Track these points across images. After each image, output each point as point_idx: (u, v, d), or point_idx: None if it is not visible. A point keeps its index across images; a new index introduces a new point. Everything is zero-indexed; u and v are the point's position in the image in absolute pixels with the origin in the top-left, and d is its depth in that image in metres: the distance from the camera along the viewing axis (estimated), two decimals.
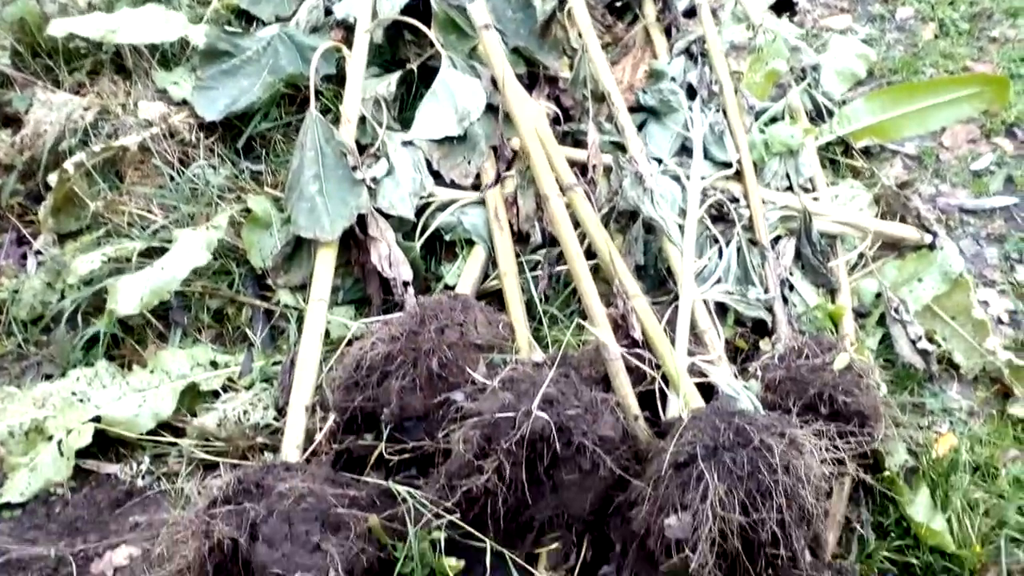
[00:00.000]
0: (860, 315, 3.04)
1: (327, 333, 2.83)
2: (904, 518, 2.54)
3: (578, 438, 2.18)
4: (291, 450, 2.47)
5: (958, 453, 2.63)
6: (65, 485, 2.72)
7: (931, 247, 3.14)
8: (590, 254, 2.78)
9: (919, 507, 2.51)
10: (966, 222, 3.50)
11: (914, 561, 2.49)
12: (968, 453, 2.66)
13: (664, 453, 2.14)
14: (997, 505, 2.55)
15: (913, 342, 2.83)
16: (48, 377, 2.97)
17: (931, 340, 2.92)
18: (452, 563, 2.30)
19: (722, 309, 2.82)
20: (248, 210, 3.18)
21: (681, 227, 2.87)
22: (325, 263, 2.86)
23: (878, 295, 3.06)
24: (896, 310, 2.91)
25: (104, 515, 2.67)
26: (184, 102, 3.55)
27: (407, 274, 2.87)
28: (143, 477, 2.73)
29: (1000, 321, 3.12)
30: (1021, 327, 3.13)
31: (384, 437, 2.46)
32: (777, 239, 3.06)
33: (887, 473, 2.55)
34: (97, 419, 2.75)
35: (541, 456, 2.19)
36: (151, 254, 3.11)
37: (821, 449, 2.12)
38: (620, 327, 2.57)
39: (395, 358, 2.45)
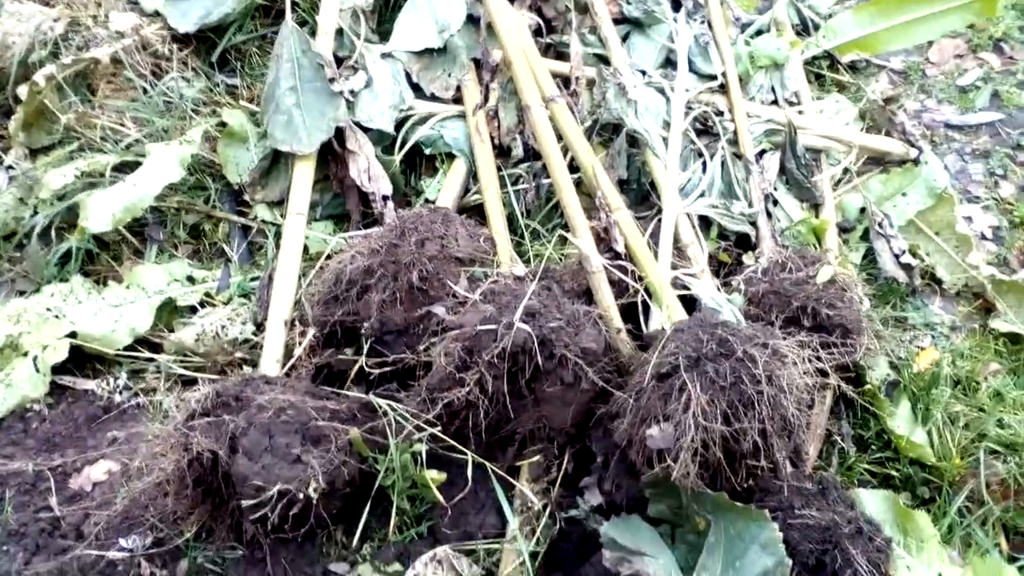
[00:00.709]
0: (844, 230, 3.02)
1: (306, 248, 2.79)
2: (884, 431, 2.56)
3: (560, 350, 2.16)
4: (270, 364, 2.45)
5: (939, 367, 2.63)
6: (42, 401, 2.69)
7: (916, 162, 3.12)
8: (573, 168, 2.75)
9: (900, 420, 2.52)
10: (951, 138, 3.47)
11: (894, 473, 2.50)
12: (949, 367, 2.67)
13: (646, 365, 2.12)
14: (977, 418, 2.57)
15: (896, 256, 2.82)
16: (22, 293, 2.92)
17: (914, 255, 2.91)
18: (434, 475, 2.29)
19: (705, 223, 2.79)
20: (223, 124, 3.11)
21: (665, 140, 2.83)
22: (303, 177, 2.81)
23: (862, 210, 3.04)
24: (880, 224, 2.89)
25: (82, 431, 2.65)
26: (157, 13, 3.43)
27: (387, 188, 2.82)
28: (120, 393, 2.70)
29: (984, 237, 3.11)
30: (1004, 243, 3.11)
31: (364, 351, 2.43)
32: (762, 153, 3.02)
33: (868, 387, 2.55)
34: (73, 335, 2.71)
35: (523, 369, 2.18)
36: (124, 169, 3.05)
37: (804, 360, 2.10)
38: (602, 240, 2.54)
39: (375, 272, 2.42)
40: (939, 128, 3.49)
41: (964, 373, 2.68)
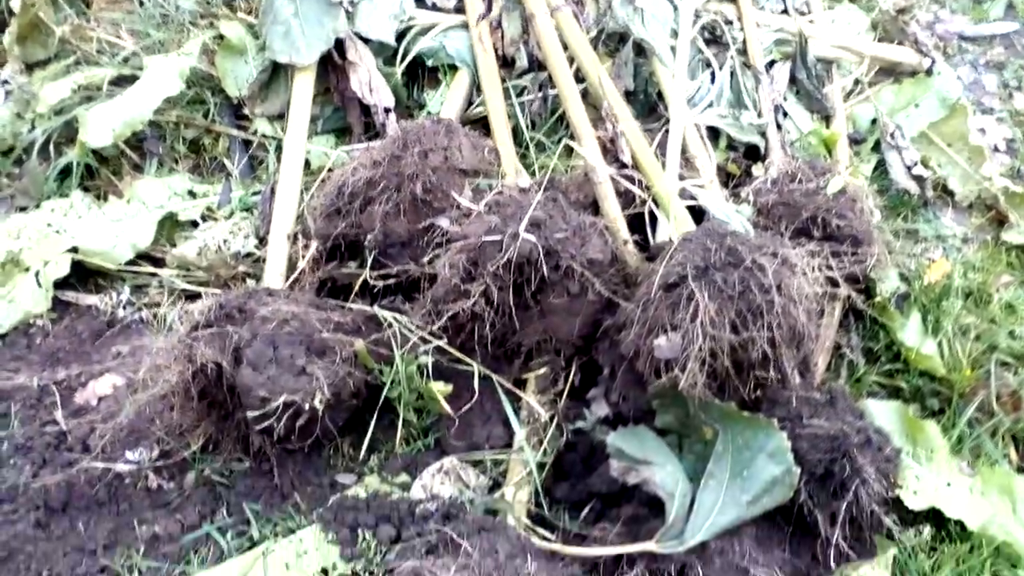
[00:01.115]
0: (855, 141, 2.98)
1: (307, 163, 2.76)
2: (894, 343, 2.54)
3: (566, 261, 2.14)
4: (273, 277, 2.43)
5: (950, 279, 2.61)
6: (45, 317, 2.68)
7: (928, 72, 3.06)
8: (579, 79, 2.69)
9: (910, 332, 2.50)
10: (965, 49, 3.41)
11: (903, 385, 2.50)
12: (961, 279, 2.64)
13: (654, 275, 2.09)
14: (988, 330, 2.55)
15: (908, 168, 2.78)
16: (22, 209, 2.89)
17: (926, 167, 2.86)
18: (440, 387, 2.28)
19: (714, 134, 2.75)
20: (221, 36, 3.05)
21: (673, 49, 2.76)
22: (303, 89, 2.76)
23: (874, 121, 2.99)
24: (892, 135, 2.84)
25: (86, 345, 2.64)
26: None
27: (388, 100, 2.78)
28: (124, 307, 2.68)
29: (997, 149, 3.07)
30: (1018, 155, 3.07)
31: (368, 264, 2.41)
32: (771, 64, 2.96)
33: (878, 299, 2.53)
34: (74, 250, 2.69)
35: (528, 280, 2.15)
36: (122, 82, 3.01)
37: (814, 269, 2.08)
38: (609, 151, 2.50)
39: (377, 183, 2.38)
40: (952, 39, 3.43)
41: (976, 285, 2.66)
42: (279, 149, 2.88)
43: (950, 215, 2.90)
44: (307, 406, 2.08)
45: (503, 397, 2.34)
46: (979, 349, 2.52)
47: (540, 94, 2.81)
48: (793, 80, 2.95)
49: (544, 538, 2.11)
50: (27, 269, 2.70)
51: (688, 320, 1.96)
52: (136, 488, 2.33)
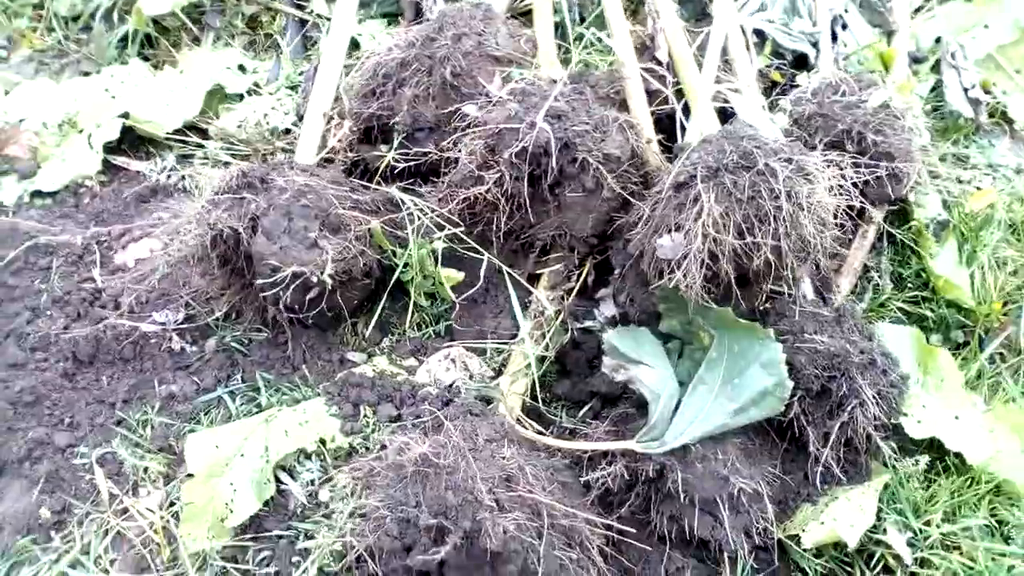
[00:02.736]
0: (916, 60, 2.84)
1: (356, 45, 2.77)
2: (925, 270, 2.45)
3: (582, 155, 2.10)
4: (306, 154, 2.45)
5: (994, 209, 2.49)
6: (94, 178, 2.78)
7: None
8: None
9: (943, 260, 2.41)
10: None
11: (928, 314, 2.41)
12: (1006, 210, 2.52)
13: (668, 174, 2.05)
14: None
15: (965, 90, 2.64)
16: (87, 74, 2.98)
17: (987, 91, 2.72)
18: (452, 274, 2.30)
19: (762, 39, 2.64)
20: None
21: None
22: None
23: (938, 40, 2.84)
24: (952, 55, 2.70)
25: (130, 209, 2.73)
26: None
27: None
28: (168, 175, 2.76)
29: None
30: None
31: (393, 146, 2.41)
32: None
33: (914, 223, 2.43)
34: (126, 115, 2.76)
35: (545, 172, 2.12)
36: None
37: (833, 181, 2.00)
38: (648, 48, 2.43)
39: (410, 65, 2.38)
40: None
41: (1021, 218, 2.53)
42: None
43: (1006, 144, 2.75)
44: (315, 279, 2.11)
45: (511, 288, 2.34)
46: (1014, 284, 2.41)
47: None
48: None
49: (535, 430, 2.12)
50: (81, 131, 2.79)
51: (691, 220, 1.92)
52: (160, 348, 2.43)
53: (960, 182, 2.59)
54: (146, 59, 2.95)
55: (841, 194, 2.02)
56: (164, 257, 2.34)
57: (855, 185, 2.13)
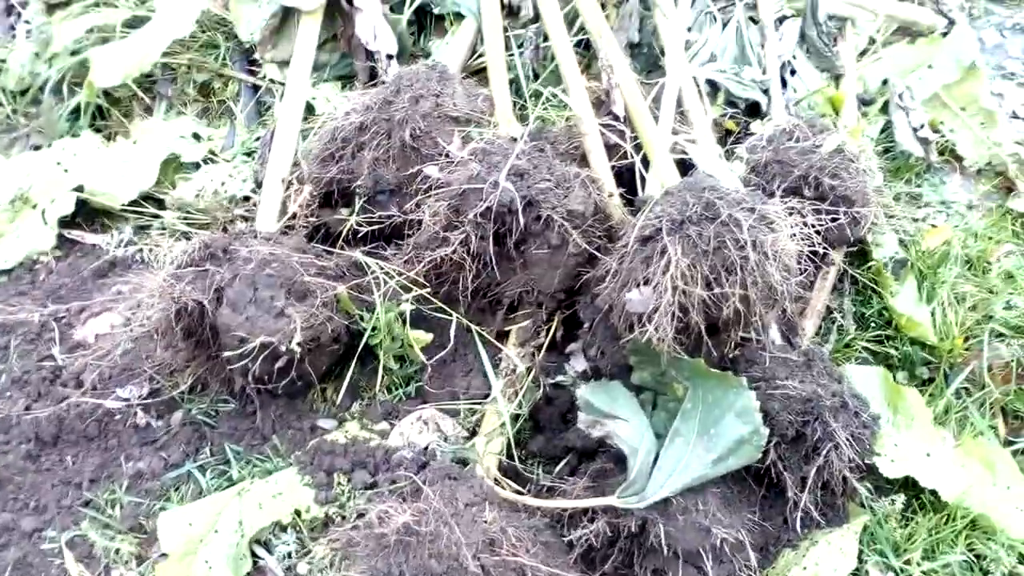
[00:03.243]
0: (864, 103, 2.90)
1: (311, 108, 2.77)
2: (887, 309, 2.48)
3: (546, 211, 2.12)
4: (266, 221, 2.43)
5: (950, 245, 2.54)
6: (50, 254, 2.73)
7: (944, 33, 2.96)
8: (582, 29, 2.65)
9: (903, 298, 2.45)
10: (990, 11, 3.29)
11: (893, 352, 2.45)
12: (961, 246, 2.57)
13: (633, 228, 2.07)
14: (985, 300, 2.49)
15: (914, 130, 2.70)
16: (37, 148, 2.95)
17: (935, 130, 2.78)
18: (420, 336, 2.29)
19: (714, 89, 2.69)
20: None
21: (676, 1, 2.70)
22: (308, 32, 2.74)
23: (885, 82, 2.91)
24: (900, 96, 2.77)
25: (88, 283, 2.69)
26: None
27: (391, 47, 2.76)
28: (126, 247, 2.72)
29: (1015, 115, 2.96)
30: None
31: (355, 210, 2.41)
32: (782, 19, 2.88)
33: (873, 263, 2.47)
34: (80, 188, 2.73)
35: (510, 230, 2.14)
36: (137, 24, 3.03)
37: (798, 228, 2.03)
38: (603, 103, 2.46)
39: (368, 128, 2.38)
40: (979, 0, 3.31)
41: (976, 253, 2.59)
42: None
43: (957, 181, 2.82)
44: (284, 348, 2.10)
45: (480, 347, 2.34)
46: (974, 319, 2.46)
47: (536, 41, 2.77)
48: (803, 37, 2.88)
49: (513, 489, 2.11)
50: (34, 206, 2.75)
51: (660, 273, 1.93)
52: (125, 424, 2.39)
53: (915, 220, 2.64)
54: (98, 130, 2.92)
55: (803, 240, 2.05)
56: (126, 332, 2.30)
57: (816, 231, 2.16)
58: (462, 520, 1.86)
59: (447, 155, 2.33)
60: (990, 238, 2.64)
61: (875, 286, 2.50)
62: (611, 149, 2.41)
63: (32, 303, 2.64)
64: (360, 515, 2.08)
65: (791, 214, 2.03)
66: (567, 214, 2.14)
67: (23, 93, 3.05)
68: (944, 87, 2.88)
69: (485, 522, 1.87)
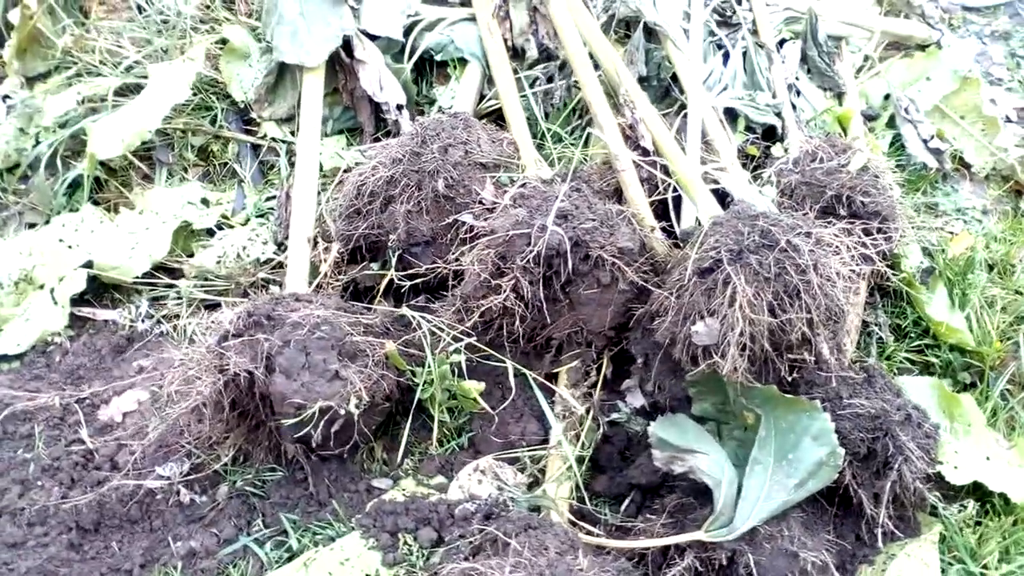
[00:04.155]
0: (869, 118, 2.97)
1: (319, 165, 2.73)
2: (921, 319, 2.53)
3: (596, 251, 2.12)
4: (297, 282, 2.40)
5: (974, 251, 2.60)
6: (62, 334, 2.65)
7: (939, 45, 3.05)
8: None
9: (937, 306, 2.50)
10: (969, 20, 3.40)
11: (933, 360, 2.49)
12: (984, 251, 2.63)
13: (686, 260, 2.07)
14: (1014, 301, 2.54)
15: (925, 141, 2.77)
16: (32, 226, 2.86)
17: (942, 140, 2.85)
18: (473, 385, 2.26)
19: (730, 116, 2.72)
20: (224, 40, 3.02)
21: (686, 32, 2.74)
22: (313, 89, 2.73)
23: (886, 97, 2.97)
24: (906, 110, 2.83)
25: (106, 362, 2.61)
26: None
27: (400, 97, 2.75)
28: (143, 321, 2.65)
29: (1008, 119, 3.05)
30: None
31: (392, 264, 2.38)
32: (782, 43, 2.94)
33: (904, 274, 2.51)
34: (89, 264, 2.66)
35: (557, 272, 2.13)
36: (126, 92, 2.98)
37: (848, 248, 2.06)
38: (628, 138, 2.47)
39: (398, 181, 2.36)
40: (956, 11, 3.42)
41: (999, 257, 2.65)
42: (290, 152, 2.87)
43: (968, 187, 2.89)
44: (343, 411, 2.06)
45: (538, 392, 2.32)
46: (1006, 321, 2.51)
47: (561, 83, 2.78)
48: (804, 58, 2.94)
49: (589, 533, 2.10)
50: (41, 286, 2.67)
51: (726, 305, 1.94)
52: (168, 504, 2.31)
53: (934, 229, 2.69)
54: (96, 203, 2.85)
55: (855, 259, 2.08)
56: (167, 408, 2.24)
57: (865, 249, 2.19)
58: (558, 571, 1.83)
59: (480, 202, 2.32)
60: (1009, 241, 2.70)
61: (908, 296, 2.54)
62: (641, 183, 2.42)
63: (50, 387, 2.55)
64: (433, 574, 2.04)
65: (847, 235, 2.05)
66: (617, 252, 2.14)
67: (9, 171, 2.96)
68: (943, 98, 2.96)
69: (580, 570, 1.85)
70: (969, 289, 2.52)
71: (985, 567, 2.09)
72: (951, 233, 2.70)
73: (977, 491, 2.21)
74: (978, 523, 2.18)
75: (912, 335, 2.53)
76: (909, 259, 2.56)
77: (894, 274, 2.49)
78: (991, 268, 2.64)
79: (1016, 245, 2.69)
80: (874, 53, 3.07)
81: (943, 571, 2.07)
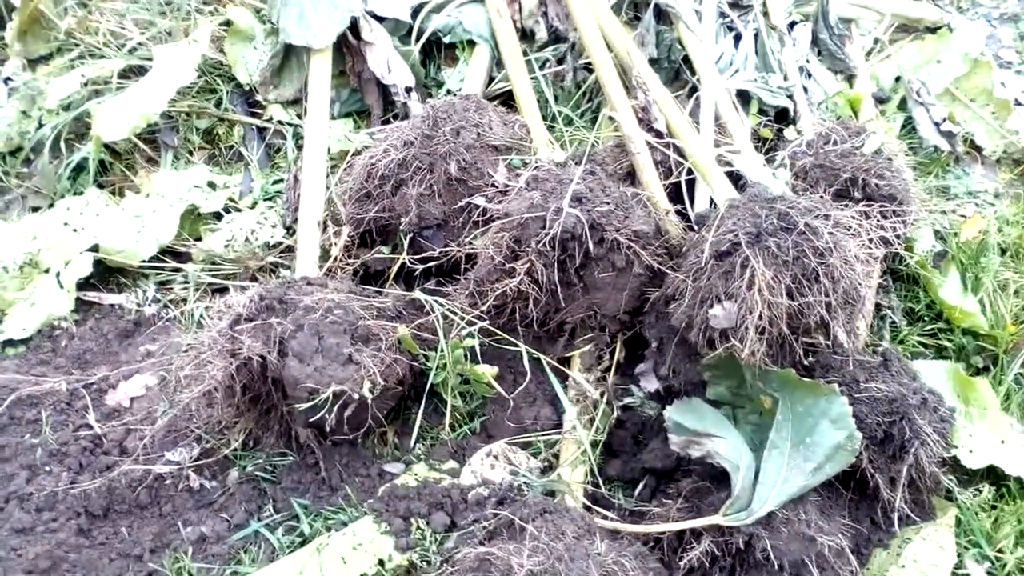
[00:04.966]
0: (880, 100, 2.95)
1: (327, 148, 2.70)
2: (934, 303, 2.52)
3: (611, 235, 2.10)
4: (308, 266, 2.38)
5: (986, 234, 2.59)
6: (68, 318, 2.62)
7: (950, 28, 3.03)
8: None
9: (950, 290, 2.49)
10: (978, 3, 3.38)
11: (947, 344, 2.48)
12: (997, 234, 2.62)
13: (703, 243, 2.06)
14: None
15: (937, 124, 2.76)
16: (35, 210, 2.83)
17: (953, 123, 2.84)
18: (487, 369, 2.24)
19: (743, 99, 2.70)
20: (229, 23, 2.98)
21: (698, 14, 2.71)
22: (321, 71, 2.70)
23: (897, 79, 2.96)
24: (918, 93, 2.82)
25: (113, 346, 2.59)
26: None
27: (408, 79, 2.72)
28: (149, 305, 2.63)
29: (1018, 102, 3.03)
30: None
31: (403, 247, 2.37)
32: (792, 25, 2.92)
33: (917, 258, 2.50)
34: (95, 248, 2.63)
35: (572, 256, 2.12)
36: (129, 74, 2.94)
37: (867, 231, 2.05)
38: (641, 121, 2.45)
39: (410, 164, 2.34)
40: None
41: (1011, 240, 2.65)
42: (296, 135, 2.84)
43: (979, 171, 2.88)
44: (356, 395, 2.04)
45: (551, 376, 2.31)
46: (1020, 304, 2.51)
47: (572, 64, 2.75)
48: (815, 41, 2.92)
49: (604, 517, 2.09)
50: (47, 271, 2.64)
51: (744, 288, 1.93)
52: (178, 489, 2.29)
53: (944, 213, 2.68)
54: (100, 187, 2.82)
55: (873, 242, 2.07)
56: (177, 392, 2.21)
57: (883, 231, 2.18)
58: (576, 555, 1.82)
59: (493, 184, 2.31)
60: (1021, 224, 2.70)
61: (921, 280, 2.53)
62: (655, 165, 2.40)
63: (57, 372, 2.52)
64: (447, 559, 2.03)
65: (865, 217, 2.04)
66: (633, 235, 2.12)
67: (12, 154, 2.93)
68: (954, 81, 2.95)
69: (599, 554, 1.84)
70: (982, 273, 2.51)
71: (1000, 551, 2.09)
72: (963, 216, 2.69)
73: (992, 475, 2.21)
74: (993, 507, 2.18)
75: (925, 319, 2.52)
76: (921, 242, 2.55)
77: (904, 262, 2.47)
78: (1003, 252, 2.63)
79: None
80: (884, 36, 3.05)
81: (959, 555, 2.07)
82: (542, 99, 2.76)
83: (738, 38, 2.81)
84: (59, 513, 2.24)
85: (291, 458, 2.31)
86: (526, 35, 2.86)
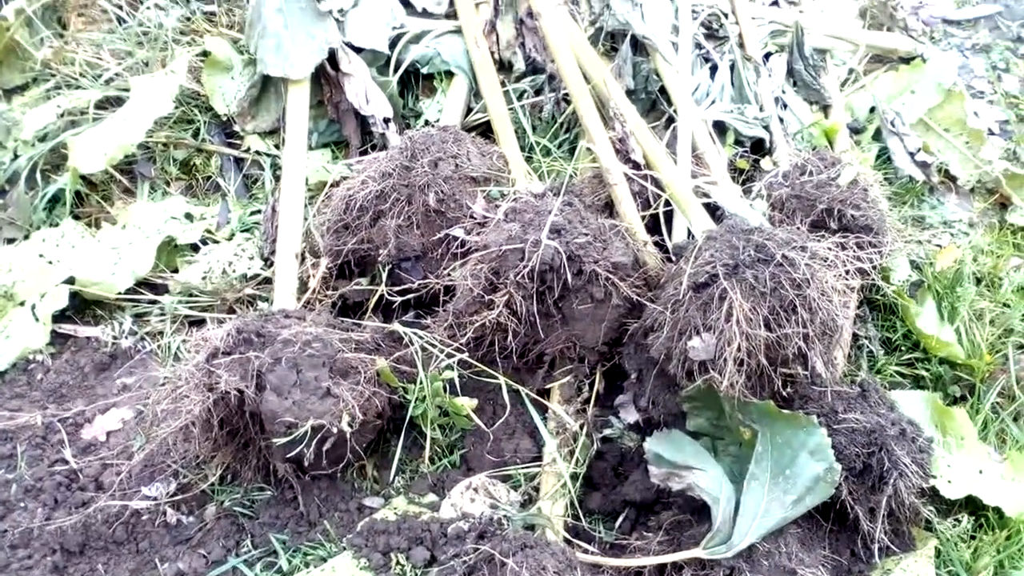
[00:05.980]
0: (855, 131, 2.97)
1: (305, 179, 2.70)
2: (911, 332, 2.53)
3: (589, 266, 2.10)
4: (286, 298, 2.37)
5: (962, 264, 2.61)
6: (44, 351, 2.60)
7: (923, 58, 3.06)
8: None
9: (926, 319, 2.50)
10: (950, 33, 3.42)
11: (924, 373, 2.49)
12: (972, 264, 2.64)
13: (681, 275, 2.06)
14: (1002, 314, 2.55)
15: (911, 154, 2.78)
16: (11, 241, 2.80)
17: (928, 153, 2.86)
18: (466, 402, 2.24)
19: (719, 129, 2.72)
20: (206, 53, 2.97)
21: (674, 45, 2.73)
22: (298, 102, 2.69)
23: (872, 110, 2.98)
24: (892, 123, 2.84)
25: (89, 379, 2.56)
26: None
27: (387, 110, 2.72)
28: (126, 337, 2.61)
29: (991, 132, 3.07)
30: (1012, 136, 3.08)
31: (383, 279, 2.36)
32: (767, 56, 2.94)
33: (893, 288, 2.52)
34: (70, 280, 2.61)
35: (551, 287, 2.11)
36: (106, 105, 2.93)
37: (843, 262, 2.06)
38: (618, 152, 2.46)
39: (388, 195, 2.33)
40: (937, 24, 3.44)
41: (986, 269, 2.66)
42: (274, 166, 2.83)
43: (954, 200, 2.91)
44: (335, 429, 2.03)
45: (531, 408, 2.30)
46: (995, 334, 2.52)
47: (550, 95, 2.76)
48: (790, 72, 2.94)
49: (585, 551, 2.08)
50: (22, 303, 2.62)
51: (723, 320, 1.93)
52: (155, 525, 2.27)
53: (921, 242, 2.70)
54: (76, 218, 2.80)
55: (849, 273, 2.08)
56: (153, 427, 2.20)
57: (857, 259, 2.19)
58: None
59: (472, 216, 2.31)
60: (996, 253, 2.72)
61: (897, 309, 2.54)
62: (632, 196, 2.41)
63: (32, 405, 2.50)
64: None
65: (843, 249, 2.05)
66: (611, 267, 2.13)
67: None
68: (928, 111, 2.97)
69: None
70: (958, 302, 2.53)
71: None
72: (938, 246, 2.71)
73: (971, 505, 2.21)
74: (972, 537, 2.18)
75: (902, 348, 2.53)
76: (898, 272, 2.57)
77: (886, 286, 2.49)
78: (979, 281, 2.65)
79: (1003, 258, 2.70)
80: (859, 66, 3.08)
81: None
82: (520, 130, 2.76)
83: (714, 69, 2.83)
84: (34, 550, 2.21)
85: (269, 493, 2.30)
86: (504, 66, 2.87)
